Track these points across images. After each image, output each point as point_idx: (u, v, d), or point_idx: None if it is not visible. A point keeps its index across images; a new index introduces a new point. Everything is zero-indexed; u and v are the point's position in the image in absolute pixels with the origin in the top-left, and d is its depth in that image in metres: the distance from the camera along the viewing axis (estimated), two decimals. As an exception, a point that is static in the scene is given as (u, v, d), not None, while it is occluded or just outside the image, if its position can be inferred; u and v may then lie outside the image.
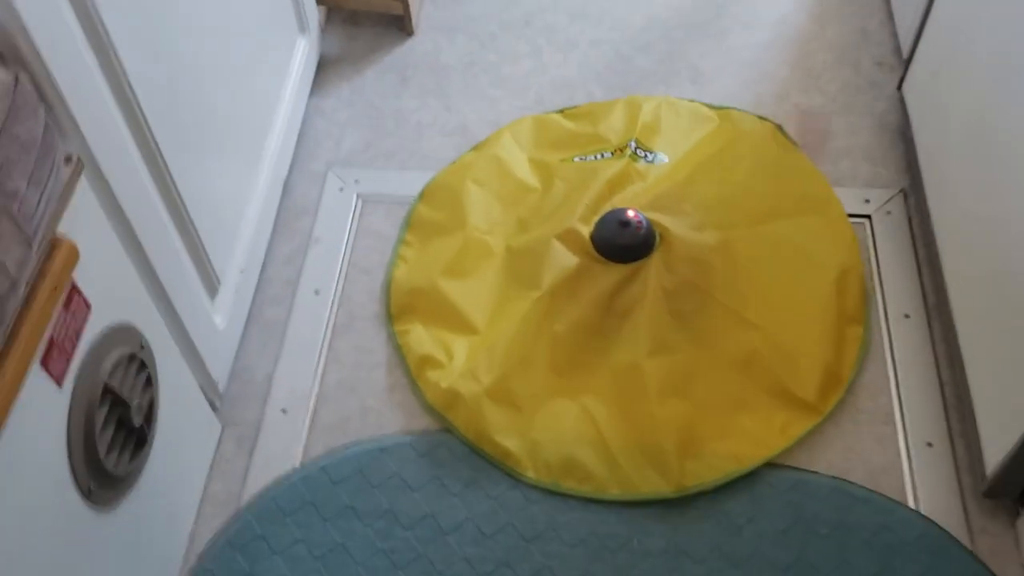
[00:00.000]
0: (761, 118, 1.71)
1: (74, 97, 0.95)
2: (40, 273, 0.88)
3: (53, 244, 0.90)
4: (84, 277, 0.97)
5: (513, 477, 1.31)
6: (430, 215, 1.59)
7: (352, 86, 1.85)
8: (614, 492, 1.28)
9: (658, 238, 1.49)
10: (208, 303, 1.35)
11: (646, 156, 1.63)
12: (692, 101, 1.75)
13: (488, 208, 1.57)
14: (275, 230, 1.61)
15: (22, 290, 0.83)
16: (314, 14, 1.80)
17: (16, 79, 0.82)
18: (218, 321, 1.37)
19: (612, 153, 1.64)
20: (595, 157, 1.64)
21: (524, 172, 1.64)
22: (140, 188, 1.13)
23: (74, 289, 0.95)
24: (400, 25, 1.94)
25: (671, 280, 1.44)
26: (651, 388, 1.36)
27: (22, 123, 0.81)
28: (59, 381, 0.94)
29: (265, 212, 1.56)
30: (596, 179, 1.58)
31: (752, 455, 1.31)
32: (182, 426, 1.25)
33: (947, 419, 1.36)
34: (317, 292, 1.54)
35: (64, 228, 0.93)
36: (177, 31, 1.22)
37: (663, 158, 1.64)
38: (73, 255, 0.92)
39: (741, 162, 1.62)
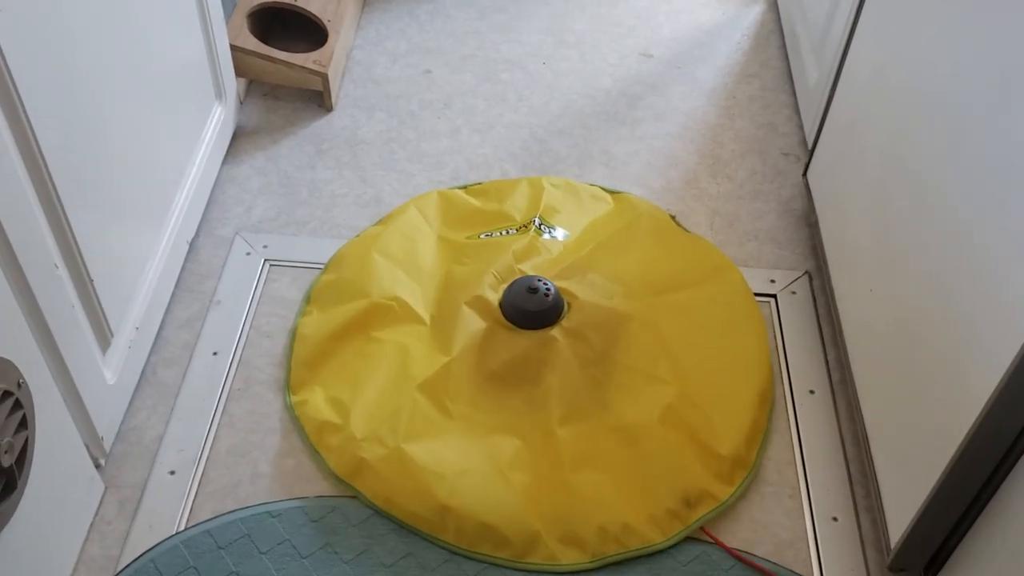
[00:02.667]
0: (655, 206, 1.75)
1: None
2: (-94, 286, 0.82)
3: (-76, 257, 0.85)
4: (-43, 301, 0.91)
5: (421, 536, 1.25)
6: (333, 283, 1.57)
7: (267, 155, 1.84)
8: (531, 560, 1.24)
9: (566, 305, 1.49)
10: (99, 355, 1.28)
11: (549, 232, 1.65)
12: (592, 184, 1.78)
13: (393, 278, 1.55)
14: (176, 291, 1.56)
15: None
16: (232, 83, 1.80)
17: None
18: (108, 376, 1.31)
19: (517, 230, 1.65)
20: (500, 233, 1.65)
21: (430, 247, 1.63)
22: (32, 225, 1.08)
23: (-55, 312, 0.89)
24: (319, 101, 1.96)
25: (581, 346, 1.43)
26: (565, 457, 1.33)
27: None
28: (-82, 408, 0.87)
29: (167, 272, 1.51)
30: (503, 252, 1.59)
31: (668, 529, 1.28)
32: (60, 480, 1.17)
33: (852, 494, 1.35)
34: (215, 354, 1.48)
35: (-61, 245, 0.88)
36: (88, 81, 1.20)
37: (565, 233, 1.66)
38: (-55, 271, 0.87)
39: (642, 238, 1.65)
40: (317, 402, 1.40)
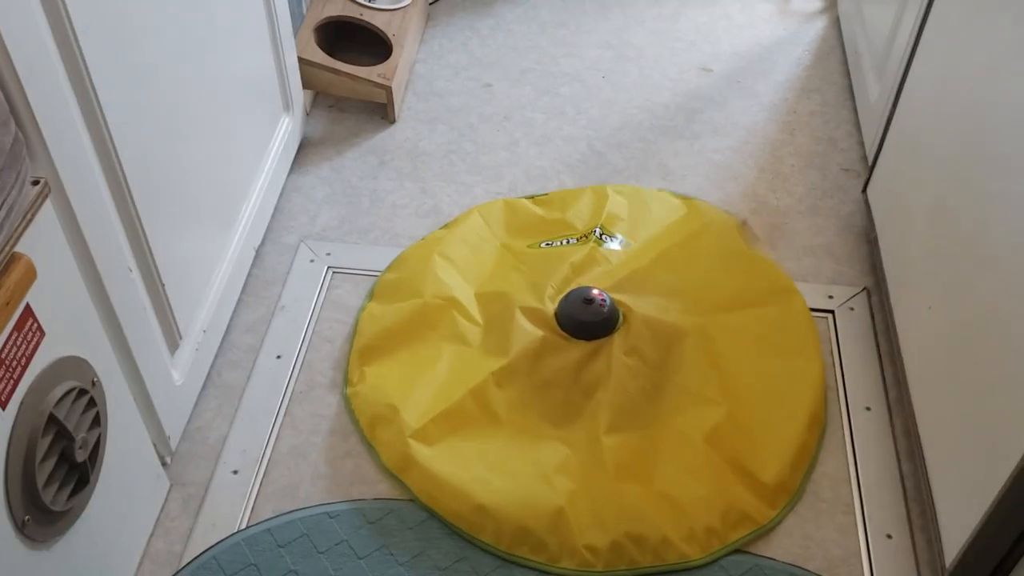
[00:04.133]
0: (727, 213, 1.75)
1: (48, 127, 0.97)
2: (-7, 286, 0.87)
3: (11, 258, 0.90)
4: (40, 302, 0.96)
5: (467, 540, 1.27)
6: (394, 281, 1.60)
7: (332, 165, 1.88)
8: (566, 565, 1.25)
9: (621, 317, 1.50)
10: (167, 356, 1.33)
11: (610, 240, 1.66)
12: (660, 190, 1.79)
13: (451, 280, 1.58)
14: (243, 296, 1.61)
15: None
16: (299, 96, 1.86)
17: (-9, 91, 0.84)
18: (176, 376, 1.35)
19: (578, 239, 1.67)
20: (561, 243, 1.66)
21: (490, 253, 1.66)
22: (108, 230, 1.13)
23: (29, 311, 0.94)
24: (383, 113, 2.00)
25: (634, 359, 1.45)
26: (609, 465, 1.34)
27: (-8, 130, 0.82)
28: (2, 403, 0.92)
29: (234, 277, 1.56)
30: (562, 262, 1.61)
31: (708, 546, 1.28)
32: (129, 476, 1.22)
33: (907, 511, 1.34)
34: (279, 357, 1.53)
35: (23, 248, 0.93)
36: (164, 90, 1.25)
37: (627, 243, 1.67)
38: (30, 272, 0.92)
39: (705, 252, 1.65)
40: (371, 395, 1.43)
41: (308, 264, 1.68)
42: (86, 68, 1.04)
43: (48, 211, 0.97)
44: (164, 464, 1.35)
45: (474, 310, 1.55)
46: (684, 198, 1.77)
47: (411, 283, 1.58)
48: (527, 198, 1.79)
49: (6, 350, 0.91)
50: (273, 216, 1.75)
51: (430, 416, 1.38)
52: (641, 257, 1.62)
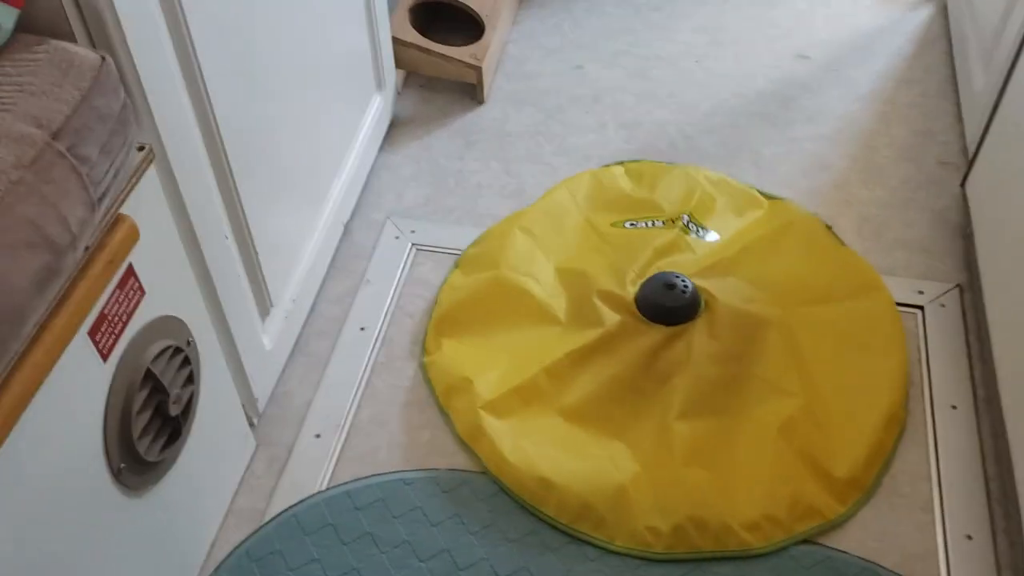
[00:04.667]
0: (813, 214, 1.72)
1: (154, 95, 1.02)
2: (100, 244, 0.92)
3: (115, 220, 0.94)
4: (141, 262, 1.01)
5: (535, 515, 1.29)
6: (476, 255, 1.63)
7: (420, 144, 1.92)
8: (626, 543, 1.26)
9: (703, 304, 1.50)
10: (259, 323, 1.38)
11: (697, 231, 1.65)
12: (749, 187, 1.77)
13: (529, 254, 1.60)
14: (330, 269, 1.66)
15: (80, 251, 0.87)
16: (392, 75, 1.89)
17: (103, 58, 0.89)
18: (266, 342, 1.40)
19: (664, 223, 1.66)
20: (646, 224, 1.66)
21: (572, 229, 1.67)
22: (207, 197, 1.18)
23: (131, 271, 0.99)
24: (472, 94, 2.02)
25: (713, 346, 1.44)
26: (677, 450, 1.34)
27: (102, 96, 0.87)
28: (104, 355, 0.97)
29: (323, 250, 1.61)
30: (645, 246, 1.60)
31: (771, 536, 1.27)
32: (218, 433, 1.27)
33: (990, 513, 1.31)
34: (362, 329, 1.57)
35: (127, 210, 0.98)
36: (262, 64, 1.29)
37: (714, 236, 1.65)
38: (133, 233, 0.97)
39: (791, 247, 1.63)
40: (447, 365, 1.46)
41: (393, 240, 1.72)
42: (191, 39, 1.09)
43: (152, 176, 1.02)
44: (251, 425, 1.40)
45: (552, 286, 1.56)
46: (771, 197, 1.75)
47: (490, 256, 1.60)
48: (618, 164, 1.78)
49: (109, 306, 0.96)
50: (362, 192, 1.79)
51: (502, 390, 1.41)
52: (727, 248, 1.61)
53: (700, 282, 1.52)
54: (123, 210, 0.97)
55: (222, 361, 1.26)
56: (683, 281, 1.50)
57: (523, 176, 1.84)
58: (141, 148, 1.00)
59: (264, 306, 1.40)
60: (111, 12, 0.92)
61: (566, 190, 1.74)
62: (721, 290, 1.52)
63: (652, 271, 1.55)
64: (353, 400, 1.47)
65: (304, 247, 1.54)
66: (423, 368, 1.49)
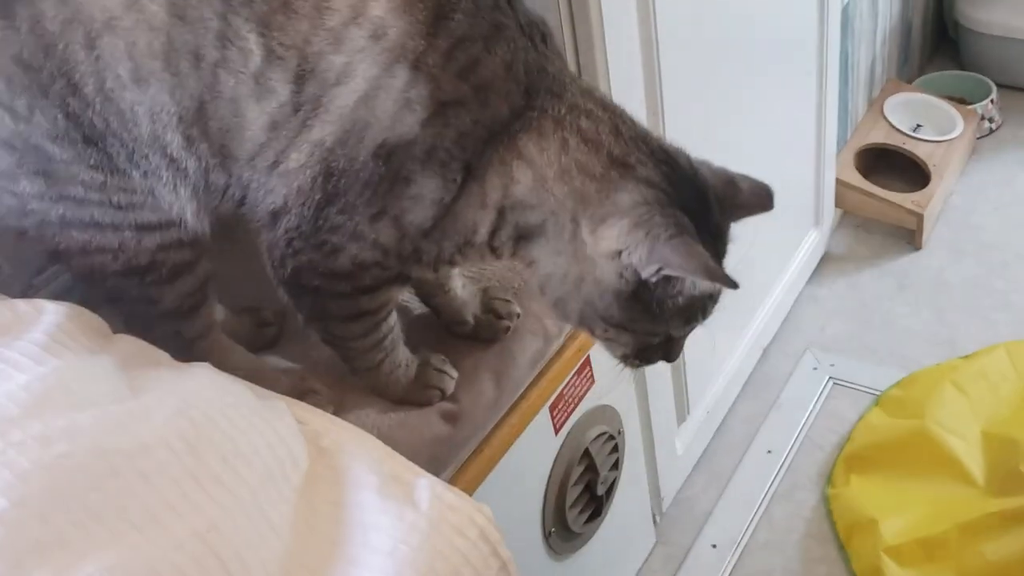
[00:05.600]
0: None
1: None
2: (572, 335, 1.08)
3: (588, 316, 1.10)
4: (597, 356, 1.16)
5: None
6: (900, 398, 1.61)
7: (848, 281, 1.94)
8: None
9: None
10: (675, 427, 1.49)
11: None
12: None
13: (959, 412, 1.54)
14: (744, 388, 1.73)
15: (558, 340, 1.04)
16: (830, 212, 1.95)
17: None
18: (678, 446, 1.51)
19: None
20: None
21: (1009, 395, 1.59)
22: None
23: (587, 361, 1.15)
24: (909, 238, 2.01)
25: None
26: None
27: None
28: (557, 429, 1.12)
29: (741, 369, 1.69)
30: (1092, 424, 1.48)
31: None
32: (628, 520, 1.38)
33: None
34: (769, 452, 1.61)
35: (597, 309, 1.14)
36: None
37: None
38: (599, 330, 1.12)
39: None
40: (852, 502, 1.45)
41: (811, 371, 1.75)
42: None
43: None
44: (655, 521, 1.50)
45: (976, 447, 1.50)
46: None
47: (916, 404, 1.57)
48: None
49: (567, 388, 1.12)
50: (785, 320, 1.85)
51: (909, 537, 1.37)
52: None
53: None
54: (593, 309, 1.13)
55: (641, 455, 1.37)
56: None
57: (957, 327, 1.78)
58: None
59: (682, 413, 1.51)
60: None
61: (1007, 355, 1.66)
62: None
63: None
64: (753, 519, 1.51)
65: (724, 364, 1.64)
66: (827, 500, 1.50)
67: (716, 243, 0.78)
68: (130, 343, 0.75)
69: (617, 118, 0.76)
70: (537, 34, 0.75)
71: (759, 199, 0.80)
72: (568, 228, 0.74)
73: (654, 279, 0.73)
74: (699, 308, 0.79)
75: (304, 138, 0.71)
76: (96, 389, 0.64)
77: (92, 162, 0.73)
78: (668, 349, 0.82)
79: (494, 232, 0.76)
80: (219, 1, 0.68)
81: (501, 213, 0.75)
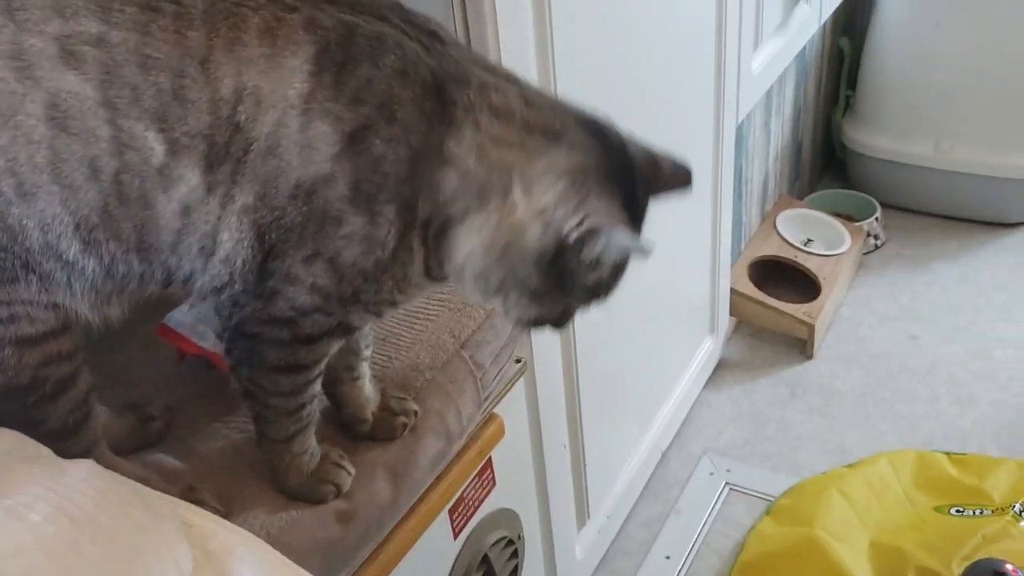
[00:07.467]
0: None
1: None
2: (474, 436, 1.08)
3: (490, 417, 1.10)
4: (499, 458, 1.15)
5: None
6: (789, 507, 1.64)
7: (743, 389, 1.99)
8: None
9: (1036, 605, 1.39)
10: (575, 532, 1.48)
11: (1031, 521, 1.56)
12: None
13: (846, 521, 1.58)
14: (643, 492, 1.73)
15: (460, 441, 1.03)
16: (725, 321, 2.01)
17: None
18: (578, 552, 1.49)
19: (992, 511, 1.59)
20: (973, 512, 1.59)
21: (893, 504, 1.63)
22: (556, 406, 1.33)
23: (489, 463, 1.14)
24: (801, 348, 2.08)
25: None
26: None
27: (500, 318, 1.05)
28: (456, 533, 1.10)
29: (640, 472, 1.70)
30: (972, 534, 1.53)
31: None
32: (523, 630, 1.35)
33: None
34: (667, 558, 1.61)
35: (499, 411, 1.13)
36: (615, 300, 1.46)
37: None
38: (500, 431, 1.12)
39: None
40: None
41: (707, 476, 1.78)
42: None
43: (519, 388, 1.18)
44: (554, 629, 1.47)
45: (863, 556, 1.53)
46: None
47: (805, 512, 1.60)
48: (943, 453, 1.74)
49: (467, 491, 1.10)
50: (683, 424, 1.88)
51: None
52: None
53: (1033, 577, 1.43)
54: (496, 410, 1.13)
55: (540, 561, 1.36)
56: (1015, 571, 1.41)
57: (847, 435, 1.84)
58: (518, 361, 1.16)
59: (582, 517, 1.50)
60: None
61: (888, 464, 1.71)
62: (1057, 590, 1.41)
63: (980, 556, 1.47)
64: (650, 626, 1.50)
65: (624, 467, 1.64)
66: None
67: (636, 216, 0.80)
68: (9, 437, 0.71)
69: (526, 88, 0.78)
70: (424, 33, 0.75)
71: (679, 178, 0.83)
72: (497, 198, 0.74)
73: (575, 236, 0.73)
74: (605, 283, 0.81)
75: (230, 211, 0.71)
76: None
77: None
78: (562, 319, 0.84)
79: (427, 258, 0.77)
80: (103, 109, 0.67)
81: (426, 225, 0.75)
